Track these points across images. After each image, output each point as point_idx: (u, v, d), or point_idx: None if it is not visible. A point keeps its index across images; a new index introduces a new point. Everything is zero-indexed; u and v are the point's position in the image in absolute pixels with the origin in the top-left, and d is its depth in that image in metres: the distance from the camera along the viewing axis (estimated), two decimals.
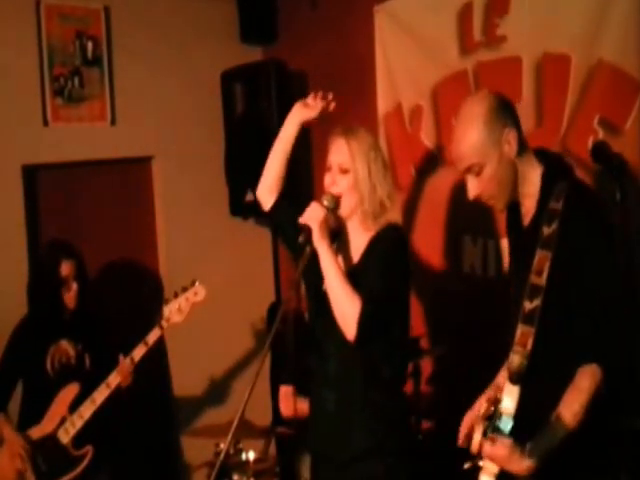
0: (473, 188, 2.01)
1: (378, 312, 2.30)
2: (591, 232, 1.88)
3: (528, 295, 1.88)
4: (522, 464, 1.78)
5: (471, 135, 1.96)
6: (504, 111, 2.00)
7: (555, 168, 2.00)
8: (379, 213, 2.42)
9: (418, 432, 3.30)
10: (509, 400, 1.84)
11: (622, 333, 1.83)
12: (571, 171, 2.03)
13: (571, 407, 1.80)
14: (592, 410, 1.81)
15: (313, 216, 2.35)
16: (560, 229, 1.87)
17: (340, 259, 2.45)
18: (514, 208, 2.09)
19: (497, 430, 1.80)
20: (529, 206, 2.02)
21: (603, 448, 1.91)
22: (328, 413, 2.46)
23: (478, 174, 1.98)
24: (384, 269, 2.36)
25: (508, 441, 1.78)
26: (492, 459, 1.82)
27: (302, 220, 2.37)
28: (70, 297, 3.29)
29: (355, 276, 2.38)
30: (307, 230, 2.35)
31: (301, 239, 2.35)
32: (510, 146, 1.96)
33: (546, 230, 1.88)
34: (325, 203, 2.40)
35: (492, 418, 1.80)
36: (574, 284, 1.87)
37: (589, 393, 1.80)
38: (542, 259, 1.87)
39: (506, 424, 1.82)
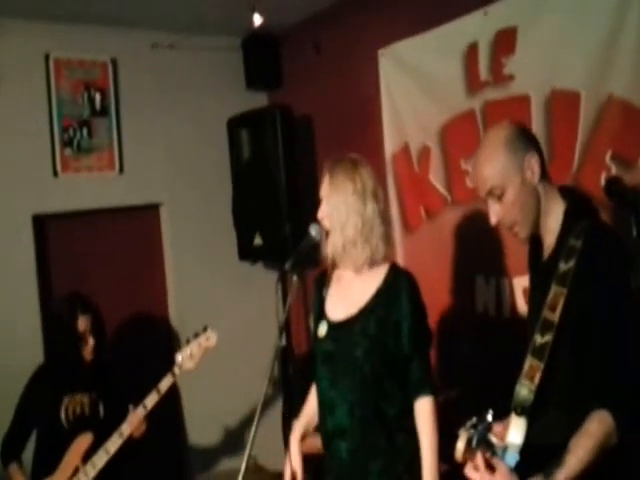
0: (495, 213, 1.98)
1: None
2: (608, 275, 1.83)
3: (540, 329, 1.85)
4: None
5: (493, 158, 1.96)
6: (526, 138, 2.00)
7: (578, 206, 1.98)
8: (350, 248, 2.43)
9: None
10: (515, 433, 1.80)
11: (634, 381, 1.78)
12: (595, 211, 2.00)
13: (576, 453, 1.73)
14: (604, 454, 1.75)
15: None
16: (577, 267, 1.83)
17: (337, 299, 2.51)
18: (536, 244, 2.07)
19: (495, 454, 1.74)
20: (550, 242, 1.99)
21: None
22: (342, 461, 2.42)
23: (500, 198, 1.96)
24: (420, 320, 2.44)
25: (506, 469, 1.72)
26: None
27: None
28: (87, 351, 3.30)
29: (367, 313, 2.41)
30: None
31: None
32: (532, 172, 1.95)
33: (562, 266, 1.85)
34: (313, 233, 2.48)
35: (476, 426, 1.74)
36: (586, 325, 1.82)
37: (597, 438, 1.74)
38: (557, 295, 1.84)
39: (512, 458, 1.77)
